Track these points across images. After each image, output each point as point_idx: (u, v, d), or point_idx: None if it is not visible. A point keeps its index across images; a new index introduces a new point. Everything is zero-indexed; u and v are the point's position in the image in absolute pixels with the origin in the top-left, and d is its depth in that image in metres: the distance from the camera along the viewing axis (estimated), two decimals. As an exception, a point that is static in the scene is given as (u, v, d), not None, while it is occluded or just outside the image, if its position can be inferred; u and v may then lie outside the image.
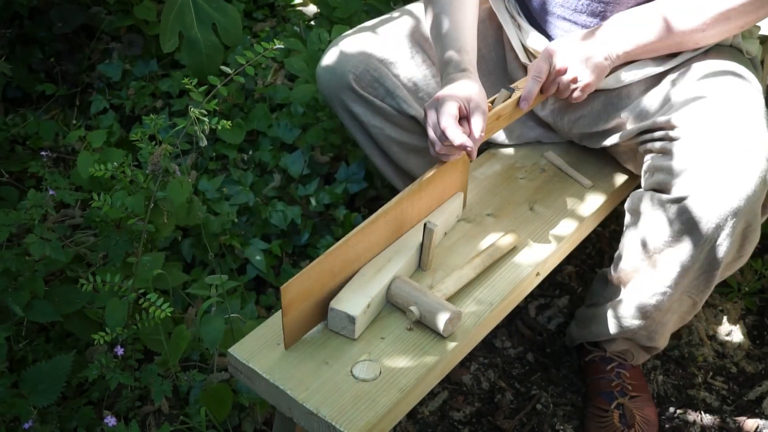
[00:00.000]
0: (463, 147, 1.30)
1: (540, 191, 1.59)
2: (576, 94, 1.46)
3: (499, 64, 1.67)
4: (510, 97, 1.44)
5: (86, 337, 1.53)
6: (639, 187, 1.50)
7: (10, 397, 1.38)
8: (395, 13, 1.71)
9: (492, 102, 1.43)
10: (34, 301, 1.48)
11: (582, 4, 1.50)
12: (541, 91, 1.46)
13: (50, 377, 1.42)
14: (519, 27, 1.61)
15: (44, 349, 1.57)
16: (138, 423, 1.51)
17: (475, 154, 1.32)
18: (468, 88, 1.36)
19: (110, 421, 1.36)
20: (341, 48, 1.63)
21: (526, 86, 1.44)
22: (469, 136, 1.32)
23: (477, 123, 1.33)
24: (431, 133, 1.35)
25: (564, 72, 1.44)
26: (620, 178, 1.64)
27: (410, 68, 1.62)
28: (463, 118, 1.35)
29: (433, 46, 1.51)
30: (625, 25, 1.45)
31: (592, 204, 1.57)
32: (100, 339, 1.37)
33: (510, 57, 1.66)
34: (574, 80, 1.45)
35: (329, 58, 1.65)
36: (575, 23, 1.53)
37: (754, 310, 1.97)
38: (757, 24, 1.59)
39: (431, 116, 1.34)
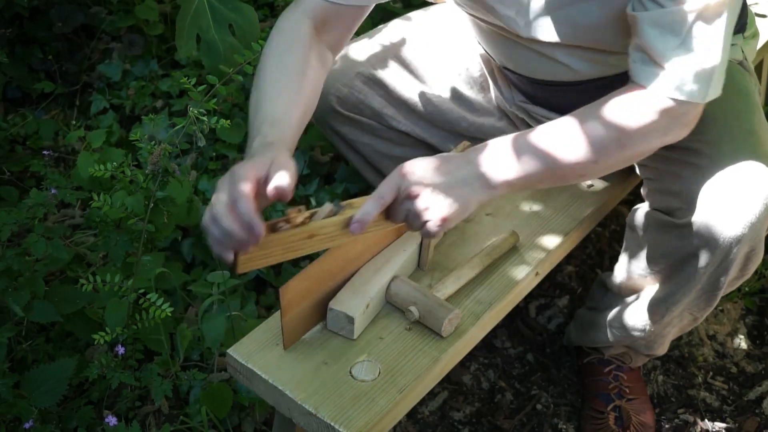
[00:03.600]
0: (244, 224, 1.03)
1: (540, 191, 1.59)
2: (429, 227, 1.15)
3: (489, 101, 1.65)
4: (335, 214, 1.14)
5: (86, 337, 1.53)
6: (636, 194, 1.48)
7: (12, 398, 1.38)
8: (380, 29, 1.68)
9: (310, 216, 1.14)
10: (34, 301, 1.49)
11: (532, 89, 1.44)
12: (388, 217, 1.17)
13: (53, 379, 1.42)
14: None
15: (44, 349, 1.58)
16: (138, 423, 1.51)
17: (290, 194, 1.07)
18: (270, 157, 1.10)
19: (111, 420, 1.36)
20: None
21: (363, 206, 1.14)
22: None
23: (279, 178, 1.06)
24: (214, 219, 1.05)
25: (415, 198, 1.14)
26: (620, 178, 1.64)
27: (398, 84, 1.60)
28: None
29: (248, 129, 1.25)
30: (505, 152, 1.19)
31: (592, 204, 1.57)
32: (100, 339, 1.38)
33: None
34: (426, 210, 1.14)
35: None
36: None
37: (754, 310, 1.97)
38: (752, 26, 1.57)
39: (219, 196, 1.06)
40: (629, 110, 1.19)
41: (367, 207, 1.13)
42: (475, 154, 1.19)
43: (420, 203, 1.14)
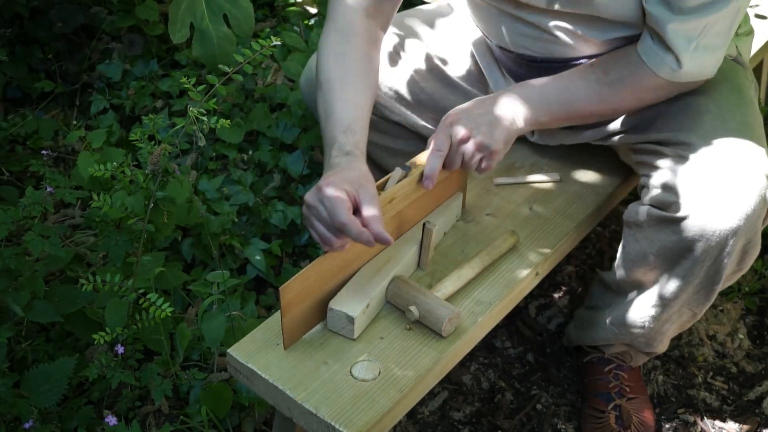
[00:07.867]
0: (365, 241, 1.16)
1: (539, 191, 1.59)
2: (483, 164, 1.34)
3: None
4: (406, 176, 1.30)
5: (86, 337, 1.53)
6: (636, 194, 1.49)
7: (11, 397, 1.38)
8: None
9: (385, 183, 1.30)
10: (34, 301, 1.49)
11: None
12: (444, 166, 1.32)
13: (53, 379, 1.42)
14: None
15: (44, 349, 1.58)
16: (138, 423, 1.51)
17: (384, 236, 1.17)
18: (352, 172, 1.22)
19: (111, 420, 1.36)
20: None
21: (427, 162, 1.30)
22: (365, 226, 1.17)
23: (369, 212, 1.18)
24: (322, 230, 1.19)
25: (466, 140, 1.31)
26: (619, 178, 1.64)
27: (390, 76, 1.61)
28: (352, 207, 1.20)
29: (321, 130, 1.37)
30: (532, 91, 1.38)
31: (592, 204, 1.57)
32: (100, 339, 1.38)
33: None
34: (479, 148, 1.32)
35: (309, 70, 1.64)
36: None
37: (754, 310, 1.97)
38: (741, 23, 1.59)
39: (319, 211, 1.18)
40: (634, 84, 1.37)
41: (431, 163, 1.30)
42: (508, 94, 1.37)
43: (472, 145, 1.31)
